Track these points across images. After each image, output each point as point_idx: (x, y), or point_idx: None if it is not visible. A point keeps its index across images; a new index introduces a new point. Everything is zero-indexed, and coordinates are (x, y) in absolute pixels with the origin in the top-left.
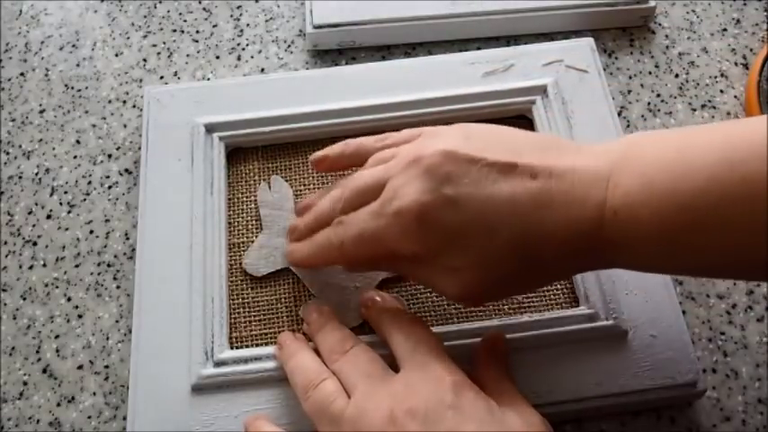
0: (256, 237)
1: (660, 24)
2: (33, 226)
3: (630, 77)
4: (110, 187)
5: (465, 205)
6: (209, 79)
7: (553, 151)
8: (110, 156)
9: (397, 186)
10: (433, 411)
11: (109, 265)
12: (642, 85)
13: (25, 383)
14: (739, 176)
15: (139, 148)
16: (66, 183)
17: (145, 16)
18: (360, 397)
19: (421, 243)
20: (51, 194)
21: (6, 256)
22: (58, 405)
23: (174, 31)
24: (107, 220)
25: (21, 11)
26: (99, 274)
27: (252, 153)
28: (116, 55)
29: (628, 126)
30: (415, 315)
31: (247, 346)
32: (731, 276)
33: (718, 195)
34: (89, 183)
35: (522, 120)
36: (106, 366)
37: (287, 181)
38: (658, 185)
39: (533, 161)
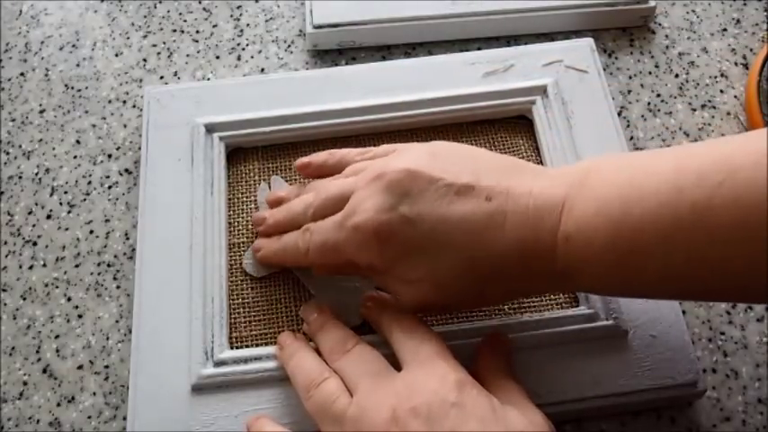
0: (256, 237)
1: (660, 24)
2: (33, 226)
3: (630, 77)
4: (110, 187)
5: (420, 223)
6: (209, 79)
7: (513, 174)
8: (110, 156)
9: (359, 201)
10: (436, 410)
11: (109, 265)
12: (642, 85)
13: (25, 383)
14: (688, 203)
15: (139, 148)
16: (66, 183)
17: (145, 16)
18: (362, 396)
19: (377, 256)
20: (51, 194)
21: (6, 256)
22: (58, 405)
23: (174, 31)
24: (107, 220)
25: (21, 11)
26: (99, 274)
27: (252, 153)
28: (116, 55)
29: (628, 126)
30: (415, 314)
31: (247, 346)
32: (687, 299)
33: (669, 221)
34: (89, 183)
35: (522, 120)
36: (106, 366)
37: (287, 181)
38: (610, 212)
39: (491, 183)
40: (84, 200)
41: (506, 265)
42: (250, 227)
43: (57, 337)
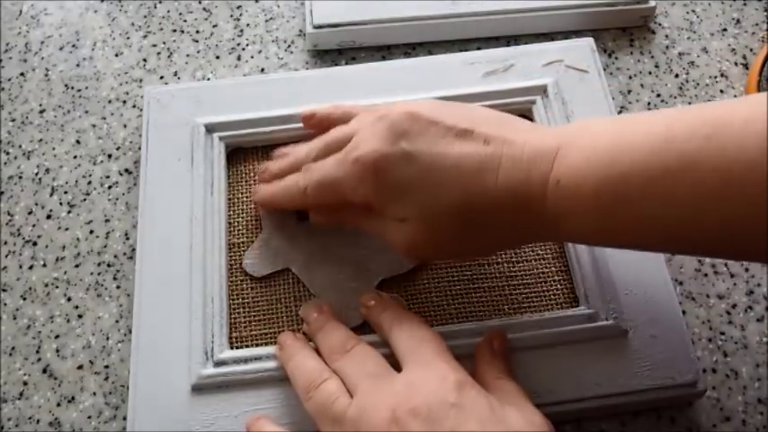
0: (256, 237)
1: (660, 24)
2: (33, 226)
3: (630, 77)
4: (110, 187)
5: (418, 160)
6: (209, 79)
7: (510, 126)
8: (110, 156)
9: (361, 138)
10: (436, 410)
11: (109, 265)
12: (642, 85)
13: (25, 383)
14: (675, 153)
15: (139, 148)
16: (66, 183)
17: (145, 16)
18: (362, 397)
19: (373, 191)
20: (51, 194)
21: (6, 256)
22: (58, 405)
23: (174, 31)
24: (107, 220)
25: (21, 11)
26: (99, 274)
27: (252, 153)
28: (116, 55)
29: None
30: (415, 314)
31: (247, 346)
32: (671, 251)
33: (656, 168)
34: (89, 183)
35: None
36: (106, 366)
37: None
38: (600, 158)
39: (489, 131)
40: (84, 200)
41: (499, 209)
42: (250, 227)
43: (57, 337)
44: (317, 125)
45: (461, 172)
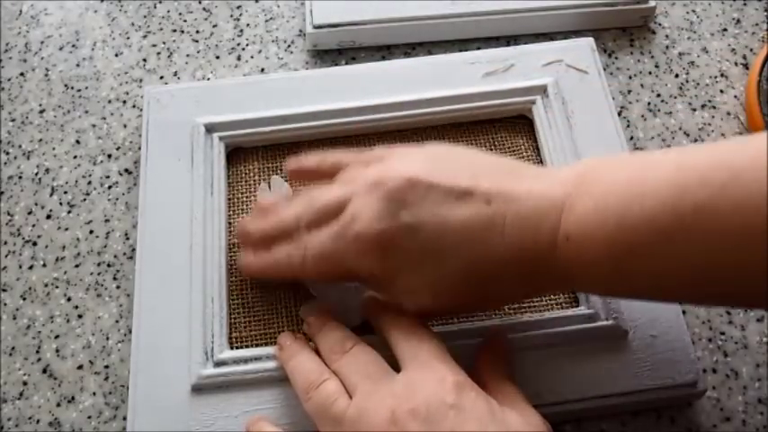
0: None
1: (660, 24)
2: (33, 226)
3: (630, 77)
4: (110, 187)
5: (421, 231)
6: (209, 79)
7: (512, 176)
8: (110, 156)
9: (358, 209)
10: (435, 411)
11: (109, 265)
12: (642, 85)
13: (25, 383)
14: (690, 203)
15: (139, 148)
16: (66, 183)
17: (145, 16)
18: (361, 397)
19: (378, 265)
20: (51, 194)
21: (6, 256)
22: (58, 405)
23: (174, 31)
24: (107, 220)
25: (21, 11)
26: (99, 274)
27: (252, 153)
28: (116, 55)
29: (628, 126)
30: (414, 316)
31: (247, 347)
32: (688, 302)
33: (669, 219)
34: (89, 183)
35: (522, 120)
36: (106, 366)
37: (287, 181)
38: (611, 209)
39: (491, 186)
40: (84, 200)
41: (507, 269)
42: None
43: (57, 337)
44: (304, 178)
45: (465, 237)
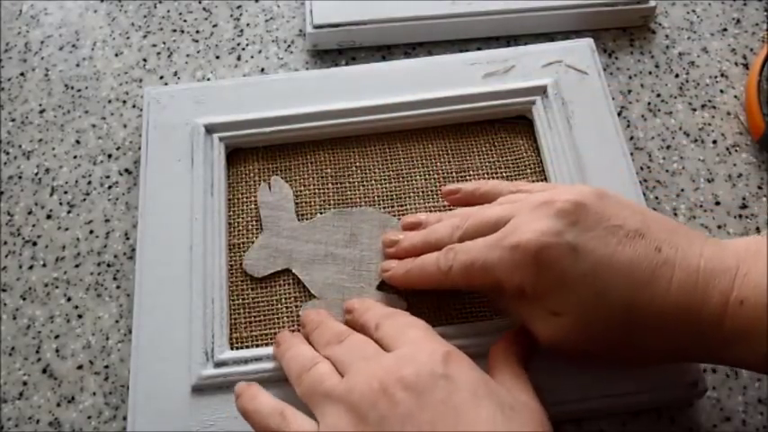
0: (257, 237)
1: (660, 24)
2: (33, 226)
3: (630, 77)
4: (110, 187)
5: (584, 257)
6: (209, 79)
7: (682, 234)
8: (110, 156)
9: (521, 222)
10: (424, 381)
11: (109, 265)
12: (642, 85)
13: (25, 383)
14: None
15: (139, 148)
16: (66, 183)
17: (145, 16)
18: (352, 374)
19: (530, 280)
20: (51, 194)
21: (6, 256)
22: (58, 405)
23: (174, 31)
24: (107, 220)
25: (21, 11)
26: (99, 274)
27: (252, 154)
28: (116, 55)
29: (628, 126)
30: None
31: (248, 347)
32: None
33: None
34: (89, 183)
35: (522, 120)
36: (106, 366)
37: (287, 182)
38: None
39: (661, 234)
40: (84, 200)
41: (665, 321)
42: (250, 227)
43: (57, 337)
44: (460, 202)
45: (631, 276)
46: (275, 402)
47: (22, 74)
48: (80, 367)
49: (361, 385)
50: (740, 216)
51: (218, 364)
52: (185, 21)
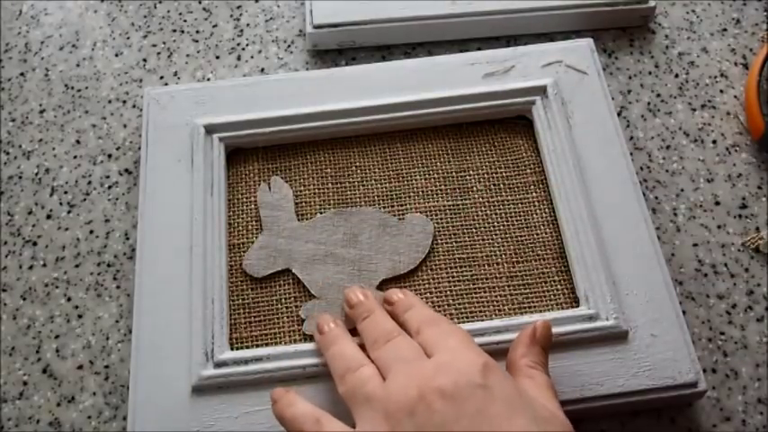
0: (257, 237)
1: (660, 24)
2: (33, 226)
3: (630, 77)
4: (110, 187)
5: None
6: (209, 79)
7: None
8: (110, 156)
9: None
10: (462, 390)
11: (109, 265)
12: (642, 85)
13: (25, 383)
14: None
15: (139, 149)
16: (66, 183)
17: (145, 16)
18: (392, 378)
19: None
20: (51, 194)
21: (6, 256)
22: (58, 405)
23: (174, 31)
24: (107, 220)
25: (21, 11)
26: (99, 274)
27: (252, 154)
28: (116, 55)
29: (628, 126)
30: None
31: (248, 347)
32: None
33: None
34: (89, 183)
35: (522, 120)
36: (106, 366)
37: (287, 182)
38: None
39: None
40: (84, 200)
41: None
42: (250, 227)
43: (57, 337)
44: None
45: None
46: (312, 409)
47: (22, 74)
48: (80, 367)
49: (401, 391)
50: (740, 216)
51: (218, 365)
52: (185, 21)
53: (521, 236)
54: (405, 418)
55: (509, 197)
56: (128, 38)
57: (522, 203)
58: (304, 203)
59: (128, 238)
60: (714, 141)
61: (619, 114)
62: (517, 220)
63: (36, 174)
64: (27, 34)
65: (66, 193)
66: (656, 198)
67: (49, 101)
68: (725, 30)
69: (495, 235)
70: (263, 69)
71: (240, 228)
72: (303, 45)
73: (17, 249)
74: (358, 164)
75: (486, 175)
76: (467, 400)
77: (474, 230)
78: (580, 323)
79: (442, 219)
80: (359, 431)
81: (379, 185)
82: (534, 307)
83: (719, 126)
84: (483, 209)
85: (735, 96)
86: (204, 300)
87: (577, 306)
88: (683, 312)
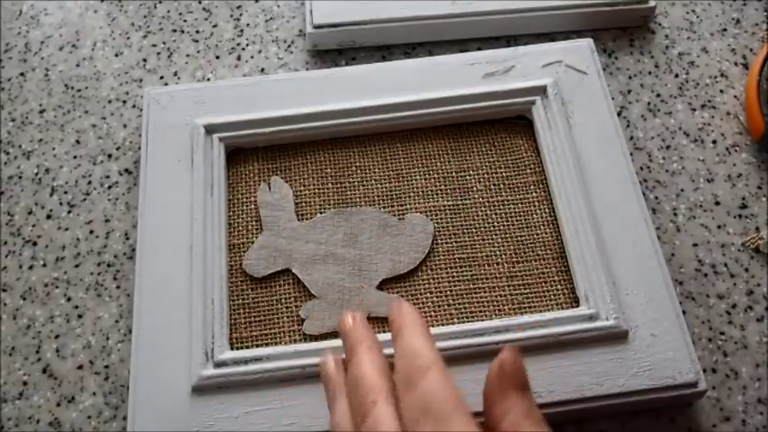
0: (257, 237)
1: (660, 24)
2: (33, 226)
3: (630, 77)
4: (110, 187)
5: None
6: (209, 79)
7: None
8: (110, 156)
9: None
10: None
11: (109, 265)
12: (642, 85)
13: (25, 383)
14: None
15: (139, 149)
16: (66, 183)
17: (145, 16)
18: None
19: None
20: (51, 194)
21: (6, 256)
22: (58, 405)
23: (174, 31)
24: (107, 220)
25: (21, 11)
26: (99, 274)
27: (252, 154)
28: (116, 55)
29: (628, 126)
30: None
31: (248, 347)
32: None
33: None
34: (89, 183)
35: (522, 120)
36: (106, 366)
37: (287, 182)
38: None
39: None
40: (84, 200)
41: None
42: (250, 227)
43: (57, 337)
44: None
45: None
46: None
47: (22, 74)
48: (80, 367)
49: None
50: (740, 216)
51: (218, 365)
52: (185, 21)
53: (521, 236)
54: None
55: (509, 197)
56: (128, 38)
57: (522, 203)
58: (304, 203)
59: (128, 238)
60: (714, 141)
61: (619, 114)
62: (517, 220)
63: (36, 174)
64: (27, 34)
65: (66, 193)
66: (656, 198)
67: (49, 101)
68: (725, 30)
69: (495, 235)
70: (263, 69)
71: (240, 228)
72: (303, 45)
73: (17, 249)
74: (358, 164)
75: (486, 175)
76: None
77: (474, 230)
78: (580, 323)
79: (442, 219)
80: None
81: (379, 185)
82: (534, 307)
83: (719, 126)
84: (483, 209)
85: (735, 96)
86: (204, 300)
87: (577, 306)
88: (683, 312)
